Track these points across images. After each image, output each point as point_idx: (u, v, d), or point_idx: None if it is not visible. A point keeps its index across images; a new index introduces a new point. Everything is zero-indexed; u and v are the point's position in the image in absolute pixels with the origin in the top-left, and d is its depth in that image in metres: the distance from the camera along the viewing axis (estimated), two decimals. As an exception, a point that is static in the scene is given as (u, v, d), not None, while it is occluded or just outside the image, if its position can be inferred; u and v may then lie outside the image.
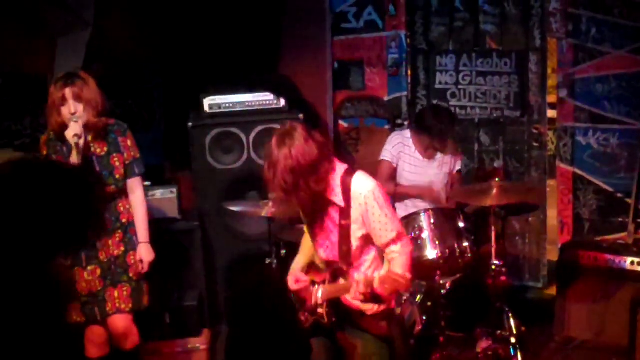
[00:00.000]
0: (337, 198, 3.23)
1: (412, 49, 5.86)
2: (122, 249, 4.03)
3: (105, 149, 3.97)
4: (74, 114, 3.81)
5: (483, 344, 4.48)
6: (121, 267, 4.01)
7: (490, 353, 4.43)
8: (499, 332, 4.46)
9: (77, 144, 3.77)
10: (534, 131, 5.76)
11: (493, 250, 4.46)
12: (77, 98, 3.82)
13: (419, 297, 4.55)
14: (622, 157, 5.39)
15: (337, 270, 3.34)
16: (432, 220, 4.53)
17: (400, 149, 4.95)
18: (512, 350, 4.39)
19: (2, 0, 4.92)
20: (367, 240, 3.31)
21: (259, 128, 5.04)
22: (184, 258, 4.94)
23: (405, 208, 4.86)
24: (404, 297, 4.44)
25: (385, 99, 5.90)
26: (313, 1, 5.82)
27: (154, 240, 4.13)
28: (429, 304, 4.55)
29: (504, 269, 4.49)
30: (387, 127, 5.86)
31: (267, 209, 4.34)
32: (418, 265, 4.34)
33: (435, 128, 4.79)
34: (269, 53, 5.73)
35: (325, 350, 3.51)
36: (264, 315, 2.47)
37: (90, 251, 3.93)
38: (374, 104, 5.93)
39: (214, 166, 5.10)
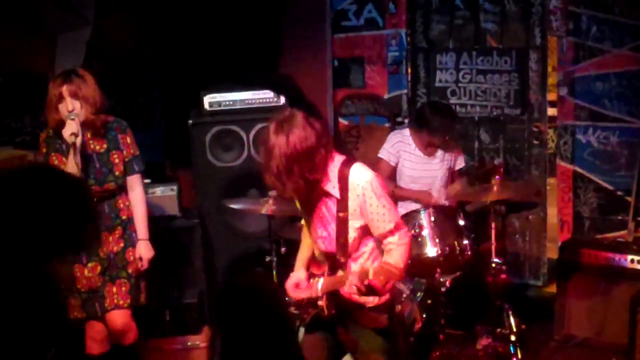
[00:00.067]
0: (334, 189, 3.22)
1: (412, 47, 5.86)
2: (122, 245, 4.03)
3: (105, 146, 3.98)
4: (71, 112, 3.81)
5: (483, 342, 4.49)
6: (120, 263, 4.02)
7: (490, 351, 4.44)
8: (498, 329, 4.47)
9: (74, 143, 3.77)
10: (534, 129, 5.75)
11: (493, 248, 4.47)
12: (75, 96, 3.82)
13: (419, 294, 4.55)
14: (622, 155, 5.38)
15: (335, 262, 3.32)
16: (432, 218, 4.53)
17: (400, 147, 4.94)
18: (511, 348, 4.40)
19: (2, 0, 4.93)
20: (365, 231, 3.30)
21: (259, 126, 5.03)
22: (184, 255, 4.95)
23: (405, 205, 4.86)
24: (404, 295, 4.44)
25: (386, 96, 5.90)
26: (313, -1, 5.83)
27: (154, 238, 4.14)
28: (429, 301, 4.55)
29: (504, 267, 4.50)
30: (387, 124, 5.86)
31: (267, 207, 4.34)
32: (418, 262, 4.36)
33: (434, 125, 4.79)
34: (269, 51, 5.73)
35: (323, 345, 3.50)
36: (255, 315, 2.46)
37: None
38: (374, 101, 5.93)
39: (214, 164, 5.10)
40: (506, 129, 5.83)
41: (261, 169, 3.20)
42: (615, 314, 4.56)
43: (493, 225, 4.47)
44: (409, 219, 4.51)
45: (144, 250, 4.06)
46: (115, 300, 4.00)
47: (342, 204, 3.22)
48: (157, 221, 4.62)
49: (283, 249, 4.53)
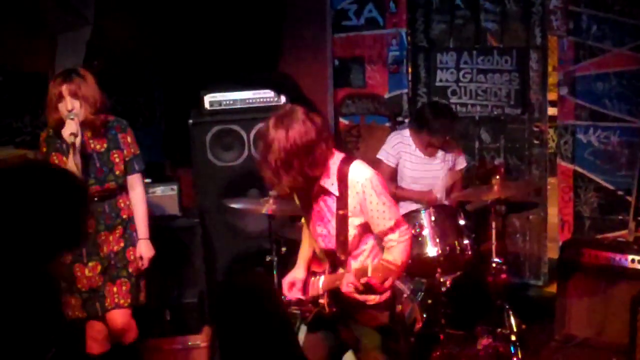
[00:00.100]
0: (332, 187, 3.21)
1: (413, 47, 5.85)
2: (122, 244, 4.03)
3: (105, 145, 3.98)
4: (71, 111, 3.81)
5: (483, 342, 4.48)
6: (120, 263, 4.02)
7: (490, 351, 4.43)
8: (499, 329, 4.47)
9: (73, 143, 3.77)
10: (535, 129, 5.75)
11: (493, 248, 4.47)
12: (74, 95, 3.82)
13: (419, 294, 4.55)
14: (622, 155, 5.38)
15: (336, 259, 3.32)
16: (433, 218, 4.53)
17: (400, 148, 4.94)
18: (512, 348, 4.39)
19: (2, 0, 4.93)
20: (365, 229, 3.29)
21: (260, 125, 5.03)
22: (184, 255, 4.94)
23: (405, 205, 4.86)
24: (405, 295, 4.44)
25: (386, 96, 5.89)
26: (313, -1, 5.83)
27: (155, 238, 4.14)
28: (430, 301, 4.55)
29: (504, 267, 4.50)
30: (387, 124, 5.86)
31: (268, 206, 4.33)
32: (418, 262, 4.35)
33: (434, 125, 4.78)
34: (269, 51, 5.73)
35: (325, 343, 3.50)
36: (256, 315, 2.46)
37: (90, 247, 3.94)
38: (374, 101, 5.93)
39: (215, 163, 5.10)
40: (507, 129, 5.82)
41: (258, 163, 3.18)
42: (616, 314, 4.55)
43: (493, 225, 4.47)
44: (410, 218, 4.49)
45: (144, 250, 4.06)
46: (116, 300, 4.00)
47: (342, 201, 3.21)
48: (158, 221, 4.62)
49: (283, 249, 4.53)
